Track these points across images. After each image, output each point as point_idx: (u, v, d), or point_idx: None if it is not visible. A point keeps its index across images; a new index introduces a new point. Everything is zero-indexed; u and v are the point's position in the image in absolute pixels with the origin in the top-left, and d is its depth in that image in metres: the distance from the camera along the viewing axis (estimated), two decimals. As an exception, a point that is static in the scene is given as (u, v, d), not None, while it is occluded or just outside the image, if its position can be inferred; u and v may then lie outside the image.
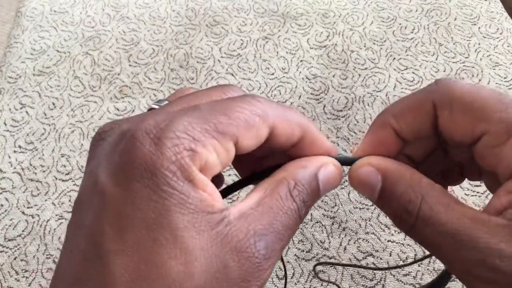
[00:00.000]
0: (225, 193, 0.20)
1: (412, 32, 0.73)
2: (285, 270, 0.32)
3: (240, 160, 0.22)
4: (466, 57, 0.69)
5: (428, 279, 0.48)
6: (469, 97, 0.18)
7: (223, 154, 0.16)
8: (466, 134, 0.18)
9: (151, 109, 0.20)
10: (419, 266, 0.49)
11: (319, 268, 0.50)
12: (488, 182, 0.21)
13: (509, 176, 0.17)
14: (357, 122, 0.61)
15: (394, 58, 0.69)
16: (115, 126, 0.17)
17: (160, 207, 0.15)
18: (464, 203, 0.18)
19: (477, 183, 0.55)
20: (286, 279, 0.46)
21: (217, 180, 0.19)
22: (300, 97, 0.65)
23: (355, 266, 0.49)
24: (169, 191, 0.15)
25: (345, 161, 0.21)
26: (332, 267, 0.49)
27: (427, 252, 0.29)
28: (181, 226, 0.15)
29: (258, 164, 0.22)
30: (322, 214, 0.53)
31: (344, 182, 0.56)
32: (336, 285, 0.48)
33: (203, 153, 0.16)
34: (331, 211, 0.54)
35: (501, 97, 0.18)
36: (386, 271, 0.49)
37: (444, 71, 0.68)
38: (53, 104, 0.66)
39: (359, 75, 0.67)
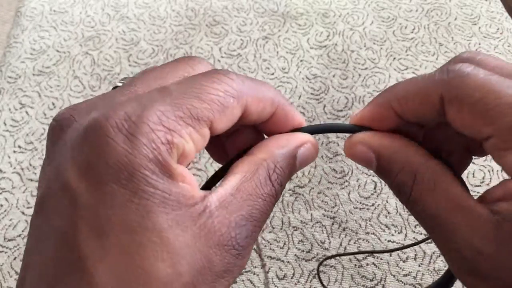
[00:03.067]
0: (209, 184, 0.20)
1: (412, 32, 0.73)
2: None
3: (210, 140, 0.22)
4: (466, 57, 0.69)
5: (428, 279, 0.48)
6: (480, 95, 0.16)
7: (199, 141, 0.16)
8: (474, 133, 0.17)
9: (116, 87, 0.19)
10: (419, 266, 0.49)
11: (321, 268, 0.50)
12: None
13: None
14: (357, 122, 0.61)
15: (394, 58, 0.69)
16: (76, 114, 0.16)
17: (142, 209, 0.14)
18: (457, 182, 0.18)
19: (478, 183, 0.55)
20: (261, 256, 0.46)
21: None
22: (300, 97, 0.65)
23: (358, 253, 0.49)
24: (150, 191, 0.14)
25: (319, 130, 0.21)
26: (333, 268, 0.49)
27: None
28: (166, 226, 0.14)
29: (227, 141, 0.21)
30: (322, 214, 0.53)
31: (344, 183, 0.56)
32: None
33: (180, 144, 0.15)
34: (331, 211, 0.54)
35: None
36: (386, 272, 0.49)
37: (444, 71, 0.67)
38: (53, 104, 0.66)
39: (359, 75, 0.67)
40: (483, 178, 0.56)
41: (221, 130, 0.17)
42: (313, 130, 0.20)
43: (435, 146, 0.21)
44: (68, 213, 0.14)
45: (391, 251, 0.28)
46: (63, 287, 0.14)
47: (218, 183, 0.17)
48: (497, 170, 0.56)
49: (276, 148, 0.19)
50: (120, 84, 0.19)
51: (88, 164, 0.14)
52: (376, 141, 0.20)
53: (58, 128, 0.16)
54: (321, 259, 0.50)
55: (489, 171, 0.56)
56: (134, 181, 0.14)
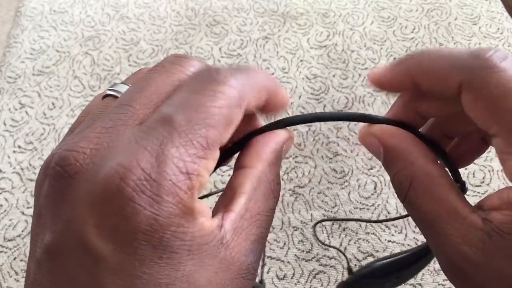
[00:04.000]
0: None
1: (412, 32, 0.73)
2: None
3: None
4: (466, 57, 0.69)
5: (428, 279, 0.48)
6: (498, 92, 0.16)
7: (212, 167, 0.16)
8: (483, 126, 0.17)
9: (106, 95, 0.19)
10: (419, 266, 0.49)
11: (319, 268, 0.50)
12: None
13: (506, 187, 0.17)
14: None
15: (395, 58, 0.69)
16: (81, 159, 0.15)
17: (171, 262, 0.14)
18: (453, 189, 0.18)
19: (478, 183, 0.55)
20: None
21: None
22: (300, 97, 0.65)
23: (353, 220, 0.49)
24: (178, 244, 0.14)
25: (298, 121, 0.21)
26: (333, 268, 0.49)
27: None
28: (192, 271, 0.15)
29: None
30: (322, 214, 0.53)
31: (344, 183, 0.56)
32: (337, 248, 0.48)
33: (199, 182, 0.15)
34: (331, 211, 0.54)
35: None
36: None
37: (445, 71, 0.68)
38: (53, 104, 0.66)
39: (359, 75, 0.67)
40: (483, 178, 0.55)
41: (226, 141, 0.16)
42: (314, 118, 0.21)
43: (451, 128, 0.21)
44: (93, 271, 0.14)
45: (380, 221, 0.29)
46: None
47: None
48: (497, 170, 0.56)
49: (269, 154, 0.19)
50: (110, 93, 0.19)
51: (114, 228, 0.14)
52: (385, 136, 0.20)
53: (65, 176, 0.15)
54: (320, 258, 0.50)
55: (489, 171, 0.56)
56: (164, 240, 0.14)
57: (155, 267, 0.14)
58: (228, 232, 0.16)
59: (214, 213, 0.17)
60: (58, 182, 0.15)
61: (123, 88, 0.19)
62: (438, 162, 0.19)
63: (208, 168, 0.15)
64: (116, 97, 0.19)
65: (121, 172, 0.14)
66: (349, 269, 0.33)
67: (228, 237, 0.16)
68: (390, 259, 0.29)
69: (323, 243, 0.37)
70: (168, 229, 0.14)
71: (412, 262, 0.28)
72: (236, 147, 0.20)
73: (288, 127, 0.21)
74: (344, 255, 0.47)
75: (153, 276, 0.14)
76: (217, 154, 0.16)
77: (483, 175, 0.56)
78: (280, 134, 0.20)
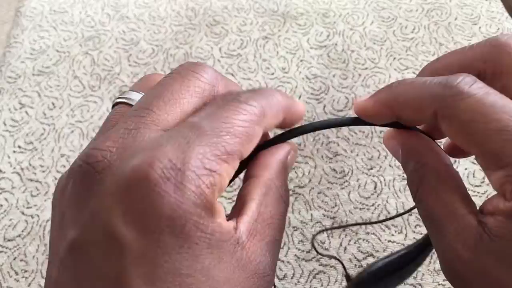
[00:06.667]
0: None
1: (412, 32, 0.73)
2: None
3: None
4: (466, 57, 0.69)
5: (428, 279, 0.48)
6: (469, 118, 0.17)
7: (231, 174, 0.17)
8: (464, 148, 0.18)
9: (116, 104, 0.20)
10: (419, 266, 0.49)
11: (319, 268, 0.50)
12: None
13: (498, 194, 0.18)
14: (357, 122, 0.61)
15: (395, 58, 0.69)
16: (109, 156, 0.16)
17: (192, 253, 0.15)
18: (459, 190, 0.19)
19: (478, 183, 0.55)
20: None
21: None
22: (300, 97, 0.65)
23: (354, 224, 0.49)
24: (199, 235, 0.15)
25: (320, 127, 0.22)
26: (333, 268, 0.49)
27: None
28: (212, 266, 0.15)
29: None
30: (322, 214, 0.53)
31: (344, 183, 0.56)
32: (337, 258, 0.48)
33: (219, 183, 0.16)
34: (331, 211, 0.54)
35: (509, 123, 0.16)
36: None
37: (445, 71, 0.67)
38: (53, 104, 0.66)
39: (360, 75, 0.67)
40: (483, 178, 0.55)
41: (246, 155, 0.18)
42: (315, 128, 0.22)
43: None
44: (117, 259, 0.14)
45: (381, 221, 0.30)
46: None
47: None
48: (497, 170, 0.56)
49: (275, 164, 0.20)
50: (120, 101, 0.20)
51: (139, 215, 0.15)
52: (403, 139, 0.21)
53: (92, 172, 0.16)
54: (320, 258, 0.50)
55: (489, 171, 0.56)
56: (186, 229, 0.15)
57: (177, 256, 0.15)
58: (243, 234, 0.17)
59: (228, 219, 0.17)
60: (85, 179, 0.16)
61: (133, 95, 0.20)
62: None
63: (228, 173, 0.16)
64: (128, 104, 0.20)
65: (149, 161, 0.15)
66: (347, 276, 0.33)
67: (243, 238, 0.17)
68: (390, 258, 0.29)
69: (321, 254, 0.37)
70: (190, 217, 0.15)
71: (411, 258, 0.29)
72: (246, 162, 0.20)
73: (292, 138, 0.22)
74: (342, 262, 0.47)
75: (174, 265, 0.15)
76: (237, 163, 0.17)
77: (483, 175, 0.56)
78: (284, 147, 0.21)
